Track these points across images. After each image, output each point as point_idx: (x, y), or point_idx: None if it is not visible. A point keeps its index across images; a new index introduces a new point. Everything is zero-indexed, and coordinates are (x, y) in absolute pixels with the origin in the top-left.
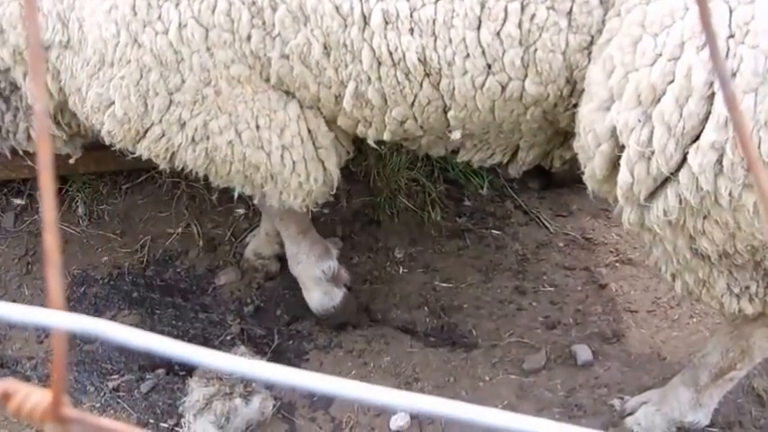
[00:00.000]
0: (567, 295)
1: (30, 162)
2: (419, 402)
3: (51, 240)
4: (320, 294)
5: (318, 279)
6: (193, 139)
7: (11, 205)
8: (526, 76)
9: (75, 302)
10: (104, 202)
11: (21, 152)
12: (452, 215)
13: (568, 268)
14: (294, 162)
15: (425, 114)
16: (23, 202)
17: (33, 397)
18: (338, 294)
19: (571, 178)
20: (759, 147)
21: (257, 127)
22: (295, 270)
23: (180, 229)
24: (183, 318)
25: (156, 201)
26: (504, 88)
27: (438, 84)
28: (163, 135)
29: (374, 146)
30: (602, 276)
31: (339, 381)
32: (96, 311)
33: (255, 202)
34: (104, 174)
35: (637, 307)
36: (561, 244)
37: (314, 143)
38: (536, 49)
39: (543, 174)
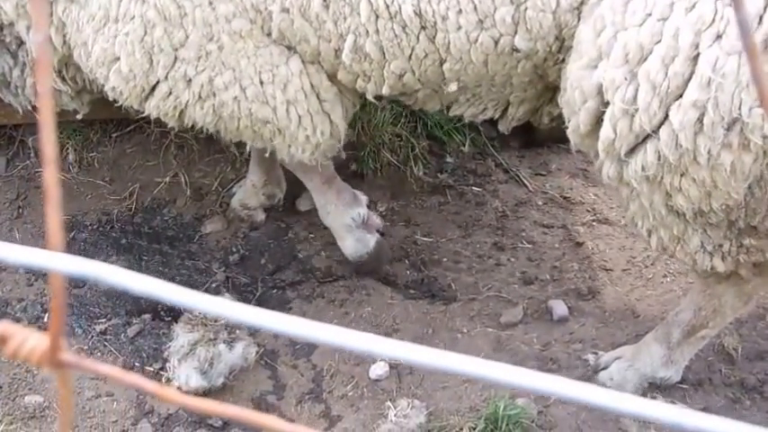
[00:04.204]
0: (545, 252)
1: (36, 114)
2: (399, 349)
3: (51, 177)
4: (353, 242)
5: (349, 227)
6: (200, 96)
7: (2, 150)
8: (516, 32)
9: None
10: (94, 150)
11: (30, 107)
12: (434, 171)
13: (546, 226)
14: (300, 116)
15: (423, 68)
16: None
17: (30, 341)
18: (371, 240)
19: (551, 138)
20: (740, 108)
21: (261, 82)
22: (326, 220)
23: (168, 178)
24: (169, 265)
25: (145, 150)
26: (496, 43)
27: (434, 37)
28: (170, 93)
29: (373, 100)
30: (578, 234)
31: (326, 327)
32: (85, 257)
33: (266, 155)
34: (94, 122)
35: (612, 265)
36: (540, 202)
37: (318, 97)
38: (527, 8)
39: (524, 133)
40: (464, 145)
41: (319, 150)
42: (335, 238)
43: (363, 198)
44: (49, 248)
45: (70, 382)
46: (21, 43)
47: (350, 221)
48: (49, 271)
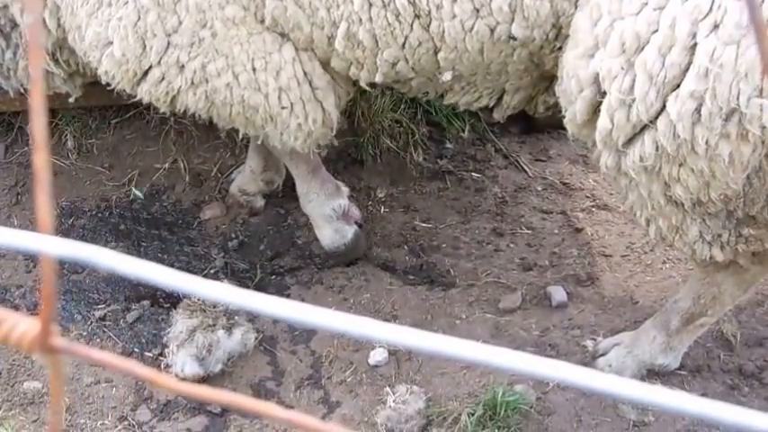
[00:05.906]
0: (544, 238)
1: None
2: (399, 335)
3: (41, 161)
4: (331, 232)
5: (329, 217)
6: (193, 82)
7: (1, 137)
8: (513, 20)
9: (63, 234)
10: (93, 137)
11: (22, 90)
12: (434, 157)
13: (545, 212)
14: (292, 103)
15: (417, 56)
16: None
17: (21, 326)
18: (349, 232)
19: (551, 124)
20: (738, 98)
21: (253, 69)
22: (306, 208)
23: (167, 164)
24: (168, 251)
25: (144, 136)
26: (492, 31)
27: (428, 26)
28: (163, 78)
29: (366, 88)
30: (578, 220)
31: (325, 312)
32: (84, 243)
33: (258, 142)
34: (93, 108)
35: (611, 251)
36: (539, 188)
37: (310, 84)
38: None
39: (524, 119)
40: (464, 131)
41: (311, 138)
42: (314, 226)
43: (345, 189)
44: (39, 231)
45: (62, 368)
46: (14, 26)
47: (330, 212)
48: (40, 254)
